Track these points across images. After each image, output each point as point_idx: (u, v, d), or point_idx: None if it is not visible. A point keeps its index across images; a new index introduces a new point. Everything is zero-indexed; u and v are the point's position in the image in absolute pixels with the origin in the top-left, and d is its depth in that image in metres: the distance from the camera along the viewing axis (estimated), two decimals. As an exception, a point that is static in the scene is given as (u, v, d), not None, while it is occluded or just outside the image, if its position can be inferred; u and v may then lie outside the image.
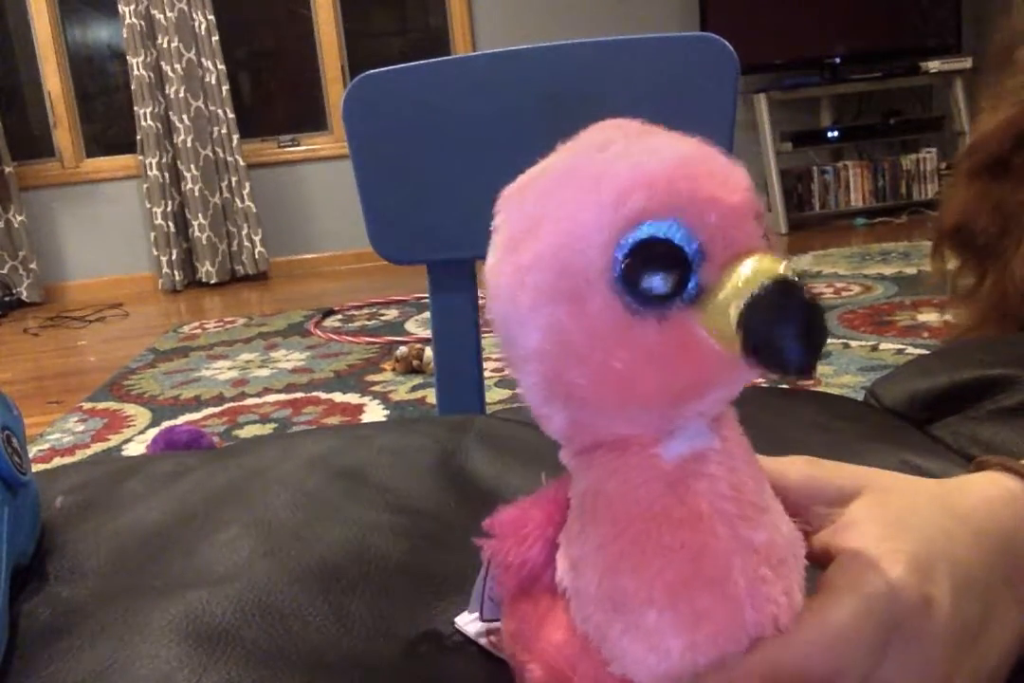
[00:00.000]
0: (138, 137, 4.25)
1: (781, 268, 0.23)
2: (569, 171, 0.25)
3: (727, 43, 0.81)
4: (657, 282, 0.23)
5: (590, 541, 0.27)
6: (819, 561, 0.30)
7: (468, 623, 0.34)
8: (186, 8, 4.16)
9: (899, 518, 0.31)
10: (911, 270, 3.27)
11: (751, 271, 0.23)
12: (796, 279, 0.23)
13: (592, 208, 0.23)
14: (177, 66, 4.19)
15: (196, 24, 4.19)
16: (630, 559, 0.26)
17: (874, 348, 2.41)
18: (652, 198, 0.23)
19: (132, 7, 4.12)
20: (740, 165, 0.25)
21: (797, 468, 0.33)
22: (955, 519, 0.31)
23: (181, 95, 4.21)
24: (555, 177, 0.25)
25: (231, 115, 4.26)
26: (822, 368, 2.28)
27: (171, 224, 4.27)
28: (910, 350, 2.36)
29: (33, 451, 2.21)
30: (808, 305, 0.23)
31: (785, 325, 0.22)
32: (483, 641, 0.33)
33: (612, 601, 0.26)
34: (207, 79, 4.24)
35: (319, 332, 3.18)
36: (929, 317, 2.58)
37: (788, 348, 0.22)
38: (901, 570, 0.28)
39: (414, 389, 2.42)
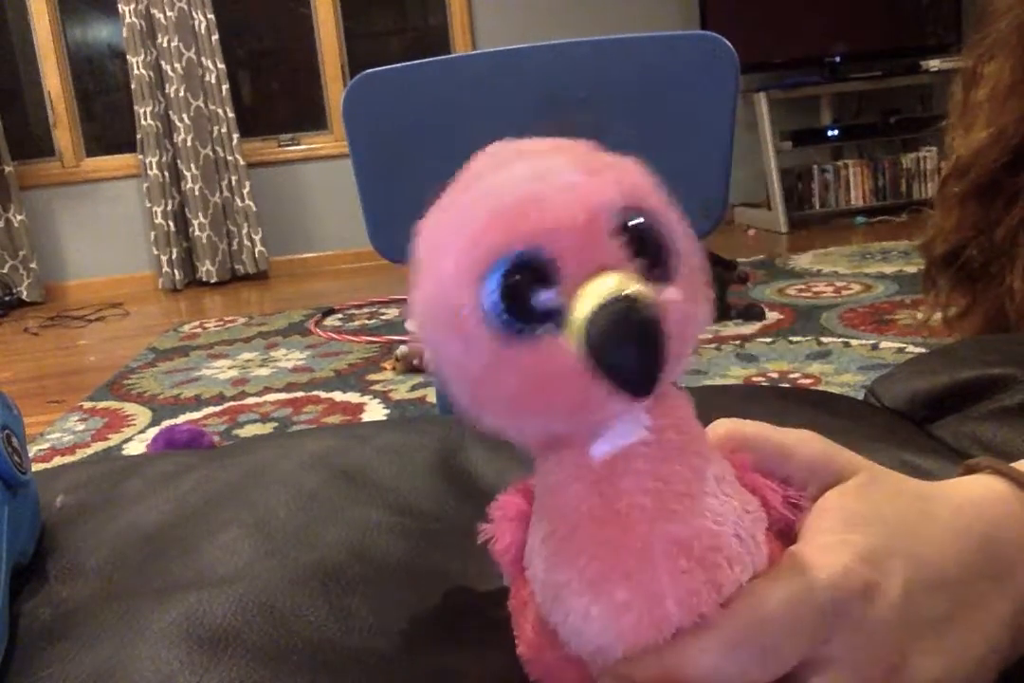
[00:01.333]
0: (138, 136, 4.25)
1: (623, 286, 0.24)
2: (442, 212, 0.27)
3: (727, 42, 0.81)
4: (520, 311, 0.24)
5: (536, 534, 0.29)
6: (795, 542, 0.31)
7: None
8: (186, 7, 4.16)
9: (867, 511, 0.31)
10: (911, 269, 3.27)
11: (593, 291, 0.24)
12: (637, 297, 0.23)
13: (454, 253, 0.25)
14: (177, 65, 4.19)
15: (196, 23, 4.19)
16: (562, 554, 0.28)
17: (874, 347, 2.41)
18: (506, 230, 0.25)
19: (132, 6, 4.12)
20: (604, 175, 0.26)
21: (807, 443, 0.33)
22: (931, 518, 0.32)
23: (181, 94, 4.21)
24: (432, 220, 0.27)
25: (231, 114, 4.26)
26: (822, 367, 2.28)
27: (171, 223, 4.27)
28: (910, 349, 2.36)
29: (33, 450, 2.21)
30: (644, 323, 0.23)
31: (618, 342, 0.23)
32: None
33: (552, 592, 0.28)
34: (207, 78, 4.24)
35: (319, 331, 3.18)
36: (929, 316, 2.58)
37: (621, 365, 0.24)
38: (847, 559, 0.29)
39: (414, 388, 2.42)
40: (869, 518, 0.31)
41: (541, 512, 0.29)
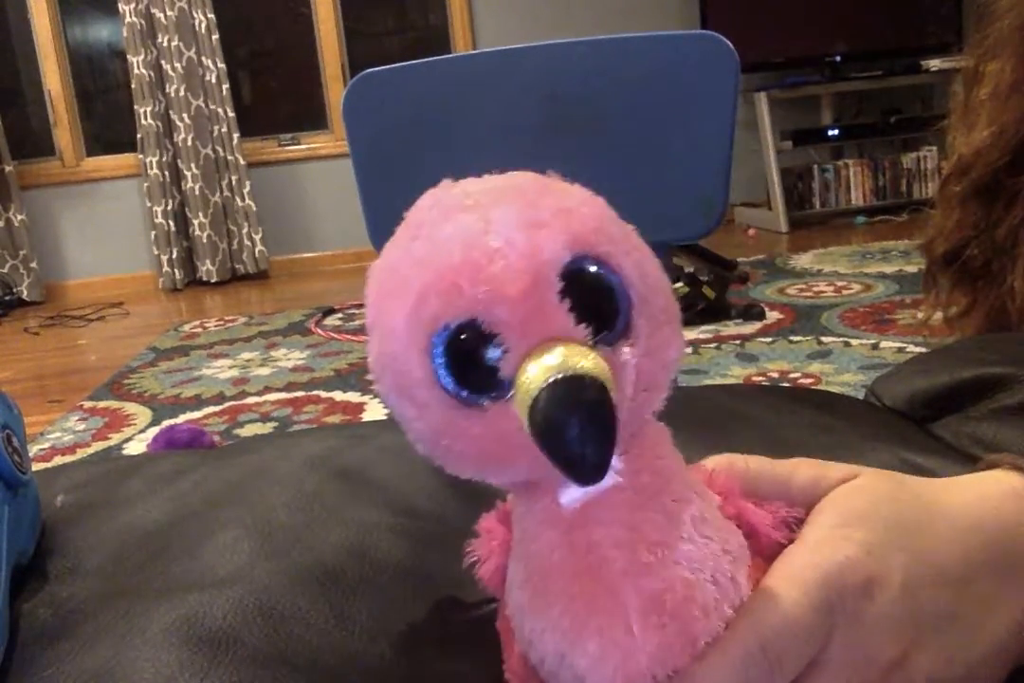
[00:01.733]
0: (138, 136, 4.25)
1: (568, 362, 0.23)
2: (387, 271, 0.26)
3: (728, 41, 0.81)
4: (469, 377, 0.24)
5: (515, 575, 0.29)
6: None
7: None
8: (186, 7, 4.16)
9: (866, 508, 0.31)
10: (911, 269, 3.27)
11: (538, 366, 0.23)
12: (584, 374, 0.22)
13: (399, 316, 0.25)
14: (177, 65, 4.19)
15: (196, 23, 4.19)
16: (537, 602, 0.27)
17: (875, 346, 2.41)
18: (445, 301, 0.24)
19: (132, 6, 4.12)
20: (553, 222, 0.24)
21: (801, 469, 0.33)
22: (934, 515, 0.32)
23: (181, 94, 4.21)
24: (378, 277, 0.26)
25: (231, 114, 4.26)
26: (822, 366, 2.28)
27: (171, 223, 4.27)
28: (911, 348, 2.36)
29: (34, 450, 2.21)
30: (590, 405, 0.22)
31: (563, 431, 0.22)
32: None
33: (529, 636, 0.28)
34: (207, 78, 4.24)
35: (319, 331, 3.18)
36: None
37: (568, 455, 0.22)
38: (846, 552, 0.29)
39: (414, 388, 2.42)
40: (868, 514, 0.31)
41: (518, 553, 0.29)
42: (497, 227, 0.24)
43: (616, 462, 0.26)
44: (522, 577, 0.28)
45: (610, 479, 0.26)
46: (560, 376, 0.22)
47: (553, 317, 0.23)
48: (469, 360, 0.24)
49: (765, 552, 0.30)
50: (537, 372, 0.23)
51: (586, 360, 0.23)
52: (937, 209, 0.71)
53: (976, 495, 0.33)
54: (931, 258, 0.71)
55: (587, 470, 0.23)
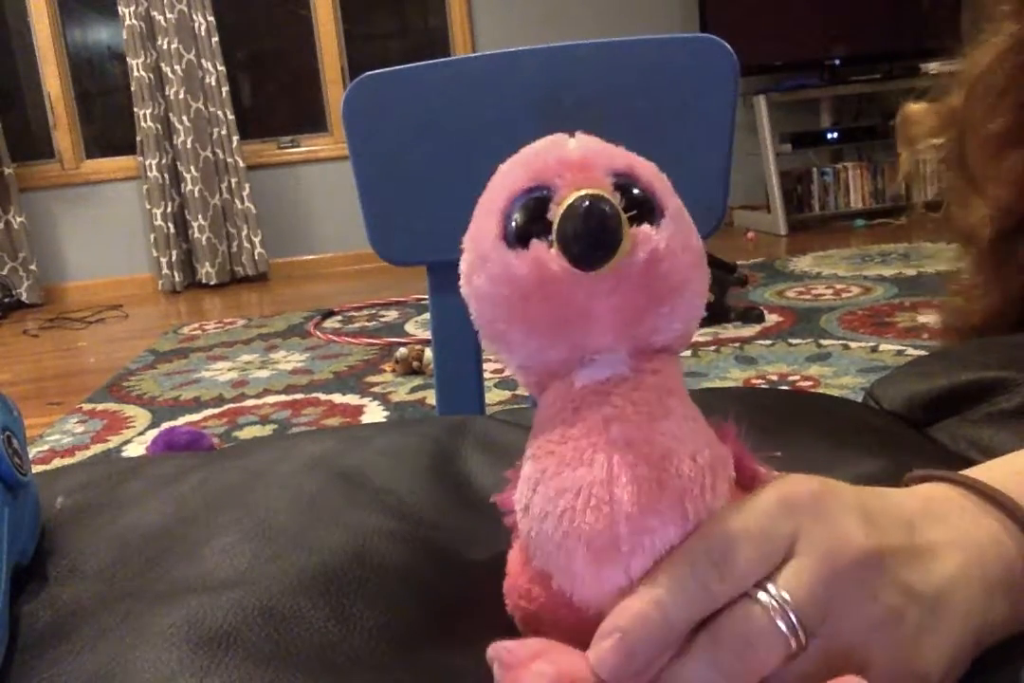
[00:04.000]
0: (138, 138, 4.25)
1: (591, 190, 0.29)
2: (497, 172, 0.33)
3: (727, 44, 0.81)
4: (524, 222, 0.30)
5: (524, 468, 0.32)
6: None
7: None
8: (186, 9, 4.17)
9: (816, 481, 0.33)
10: (911, 271, 3.27)
11: (570, 194, 0.29)
12: (602, 195, 0.29)
13: (490, 197, 0.32)
14: (177, 67, 4.20)
15: (196, 25, 4.20)
16: (534, 454, 0.32)
17: (874, 349, 2.41)
18: (525, 170, 0.31)
19: (132, 8, 4.13)
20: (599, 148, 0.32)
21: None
22: (877, 490, 0.34)
23: (181, 96, 4.21)
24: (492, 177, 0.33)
25: (231, 116, 4.27)
26: (821, 369, 2.28)
27: (171, 225, 4.27)
28: (910, 351, 2.36)
29: (33, 452, 2.21)
30: (596, 205, 0.28)
31: (575, 221, 0.29)
32: None
33: (528, 488, 0.31)
34: (207, 80, 4.24)
35: (319, 333, 3.18)
36: (929, 318, 2.59)
37: (571, 236, 0.29)
38: (796, 478, 0.32)
39: (414, 390, 2.42)
40: (817, 480, 0.33)
41: (528, 443, 0.32)
42: (577, 140, 0.32)
43: (627, 359, 0.31)
44: (528, 454, 0.32)
45: (618, 369, 0.31)
46: (584, 195, 0.29)
47: (598, 176, 0.30)
48: (533, 216, 0.30)
49: (748, 485, 0.33)
50: (570, 196, 0.29)
51: (609, 197, 0.29)
52: (976, 278, 0.65)
53: (890, 490, 0.35)
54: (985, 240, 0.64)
55: (589, 252, 0.28)
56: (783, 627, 0.28)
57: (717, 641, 0.28)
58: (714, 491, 0.30)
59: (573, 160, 0.30)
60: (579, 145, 0.31)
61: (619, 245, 0.29)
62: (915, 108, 0.67)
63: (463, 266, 0.32)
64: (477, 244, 0.31)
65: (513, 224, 0.30)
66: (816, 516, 0.30)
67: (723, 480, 0.31)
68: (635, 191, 0.30)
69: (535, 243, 0.30)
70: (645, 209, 0.30)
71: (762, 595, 0.28)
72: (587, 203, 0.28)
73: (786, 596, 0.28)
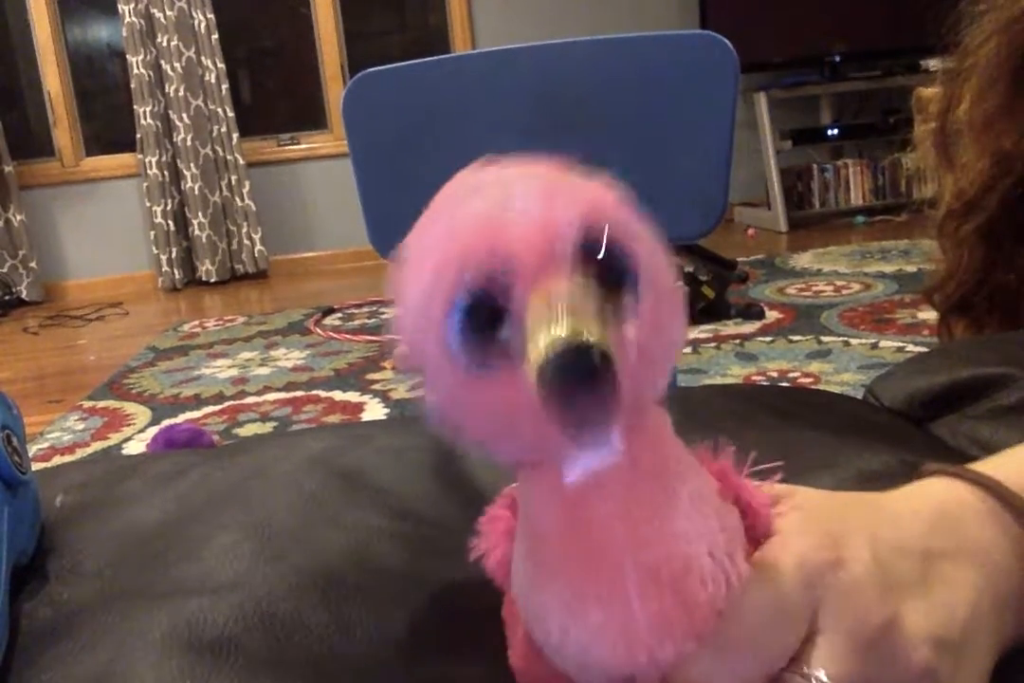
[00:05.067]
0: (138, 136, 4.25)
1: (577, 329, 0.24)
2: (414, 241, 0.27)
3: (727, 41, 0.81)
4: (481, 346, 0.25)
5: (519, 552, 0.30)
6: None
7: None
8: (186, 7, 4.16)
9: (820, 510, 0.33)
10: (911, 268, 3.27)
11: (548, 331, 0.24)
12: (592, 343, 0.23)
13: (419, 286, 0.26)
14: (177, 65, 4.19)
15: (196, 23, 4.19)
16: (540, 576, 0.28)
17: (874, 346, 2.41)
18: (461, 269, 0.25)
19: (132, 6, 4.12)
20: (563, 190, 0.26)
21: None
22: (881, 506, 0.33)
23: (181, 94, 4.21)
24: (406, 250, 0.27)
25: (231, 114, 4.26)
26: (822, 366, 2.28)
27: (171, 223, 4.27)
28: (910, 348, 2.36)
29: (33, 450, 2.21)
30: (596, 371, 0.23)
31: (568, 392, 0.23)
32: None
33: (533, 611, 0.29)
34: (207, 78, 4.23)
35: (319, 330, 3.18)
36: (929, 315, 2.58)
37: (573, 416, 0.24)
38: (808, 542, 0.30)
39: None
40: (823, 513, 0.32)
41: (523, 529, 0.30)
42: (516, 198, 0.25)
43: (618, 442, 0.26)
44: (525, 554, 0.29)
45: (612, 457, 0.26)
46: (568, 345, 0.23)
47: (564, 284, 0.24)
48: (481, 332, 0.25)
49: (760, 530, 0.31)
50: (546, 342, 0.24)
51: (593, 331, 0.24)
52: (939, 251, 0.68)
53: (913, 488, 0.35)
54: (944, 305, 0.69)
55: (590, 432, 0.24)
56: None
57: None
58: (736, 569, 0.29)
59: (527, 244, 0.25)
60: (526, 209, 0.25)
61: (616, 394, 0.24)
62: (927, 92, 0.67)
63: (397, 333, 0.28)
64: (413, 340, 0.27)
65: (463, 349, 0.25)
66: (836, 592, 0.29)
67: (740, 550, 0.29)
68: (608, 256, 0.25)
69: (502, 373, 0.25)
70: (620, 277, 0.26)
71: (799, 680, 0.28)
72: (569, 360, 0.23)
73: (822, 676, 0.28)
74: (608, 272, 0.25)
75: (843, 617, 0.29)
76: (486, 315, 0.25)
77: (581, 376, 0.23)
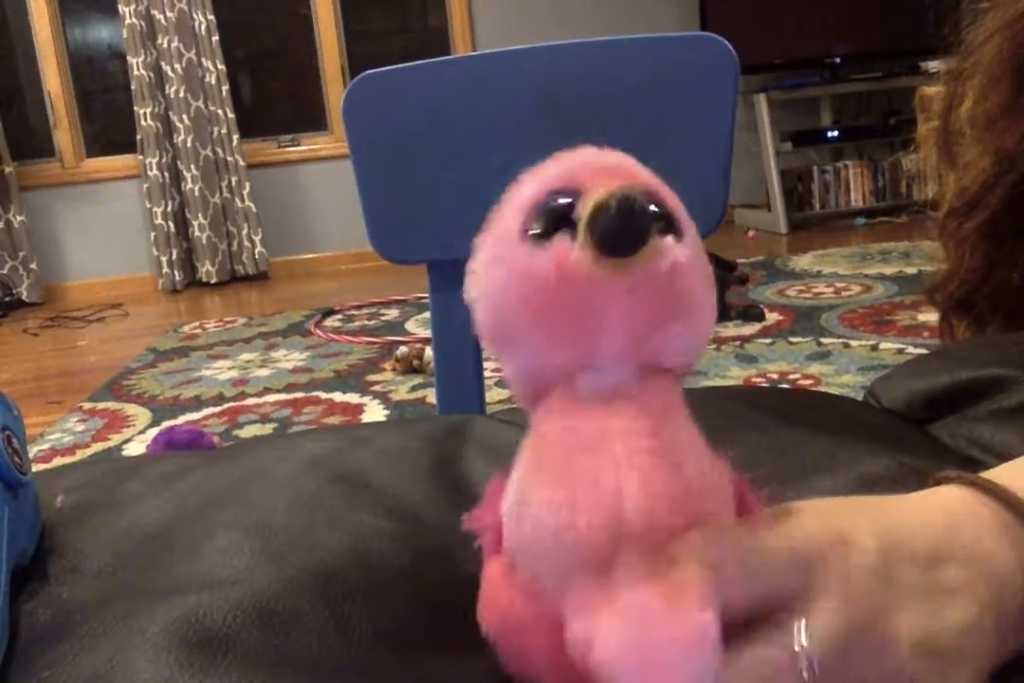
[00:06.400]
0: (138, 137, 4.25)
1: (618, 186, 0.28)
2: (528, 172, 0.32)
3: (727, 43, 0.81)
4: (549, 219, 0.29)
5: (515, 474, 0.32)
6: None
7: None
8: (186, 8, 4.17)
9: (833, 505, 0.33)
10: (911, 270, 3.27)
11: (596, 190, 0.29)
12: (634, 191, 0.28)
13: (520, 196, 0.31)
14: (177, 66, 4.20)
15: (196, 24, 4.19)
16: (533, 473, 0.31)
17: (874, 348, 2.41)
18: (558, 179, 0.30)
19: (132, 7, 4.12)
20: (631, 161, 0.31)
21: None
22: (894, 508, 0.34)
23: (181, 95, 4.21)
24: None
25: (231, 115, 4.26)
26: (822, 367, 2.28)
27: (171, 224, 4.27)
28: (910, 350, 2.36)
29: (33, 451, 2.21)
30: (632, 201, 0.28)
31: (607, 210, 0.28)
32: None
33: (519, 497, 0.31)
34: (207, 79, 4.24)
35: (319, 332, 3.18)
36: (929, 317, 2.58)
37: (606, 225, 0.28)
38: (820, 522, 0.31)
39: (414, 389, 2.42)
40: (835, 507, 0.33)
41: (521, 452, 0.32)
42: (612, 153, 0.31)
43: (632, 381, 0.30)
44: (521, 465, 0.31)
45: (627, 387, 0.30)
46: (619, 187, 0.28)
47: (624, 179, 0.29)
48: (559, 215, 0.29)
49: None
50: (594, 192, 0.28)
51: (630, 186, 0.28)
52: (941, 250, 0.68)
53: (927, 494, 0.35)
54: (946, 304, 0.69)
55: (621, 237, 0.28)
56: (804, 675, 0.28)
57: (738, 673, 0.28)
58: (727, 505, 0.30)
59: (607, 166, 0.30)
60: (613, 156, 0.31)
61: (648, 239, 0.28)
62: (930, 91, 0.67)
63: (476, 264, 0.31)
64: (497, 239, 0.31)
65: (538, 220, 0.29)
66: (838, 573, 0.30)
67: (728, 488, 0.31)
68: (663, 207, 0.30)
69: (558, 238, 0.29)
70: (670, 225, 0.30)
71: (778, 636, 0.29)
72: (621, 194, 0.28)
73: (802, 638, 0.28)
74: (657, 213, 0.29)
75: (839, 595, 0.29)
76: (560, 206, 0.29)
77: (626, 207, 0.28)
